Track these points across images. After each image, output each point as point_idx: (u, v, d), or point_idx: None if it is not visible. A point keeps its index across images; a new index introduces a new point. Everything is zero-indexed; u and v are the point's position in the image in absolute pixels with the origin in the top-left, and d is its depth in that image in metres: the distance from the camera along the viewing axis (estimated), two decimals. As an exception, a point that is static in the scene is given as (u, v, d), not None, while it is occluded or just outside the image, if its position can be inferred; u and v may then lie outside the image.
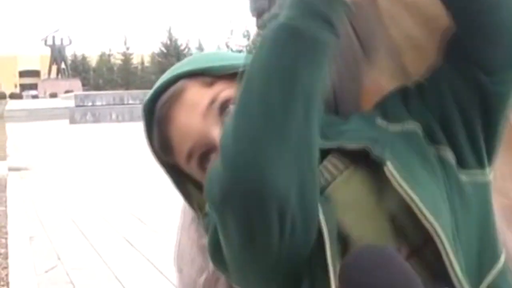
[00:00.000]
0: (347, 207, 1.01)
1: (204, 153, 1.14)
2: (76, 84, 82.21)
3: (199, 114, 1.14)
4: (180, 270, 1.29)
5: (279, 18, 0.98)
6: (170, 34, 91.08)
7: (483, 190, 1.08)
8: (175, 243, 1.34)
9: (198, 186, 1.18)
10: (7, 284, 4.93)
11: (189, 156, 1.16)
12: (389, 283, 0.87)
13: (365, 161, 1.03)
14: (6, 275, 5.15)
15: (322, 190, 1.01)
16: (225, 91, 1.15)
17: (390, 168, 0.99)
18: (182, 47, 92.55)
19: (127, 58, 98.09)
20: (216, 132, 1.09)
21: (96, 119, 30.06)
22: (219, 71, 1.17)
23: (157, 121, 1.16)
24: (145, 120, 1.20)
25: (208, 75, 1.17)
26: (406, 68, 1.14)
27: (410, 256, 0.97)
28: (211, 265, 1.17)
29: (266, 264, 0.97)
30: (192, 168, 1.17)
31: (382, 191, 1.02)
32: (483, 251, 1.03)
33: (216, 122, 1.13)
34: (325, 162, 1.05)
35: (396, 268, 0.89)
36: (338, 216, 0.99)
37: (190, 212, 1.23)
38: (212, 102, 1.14)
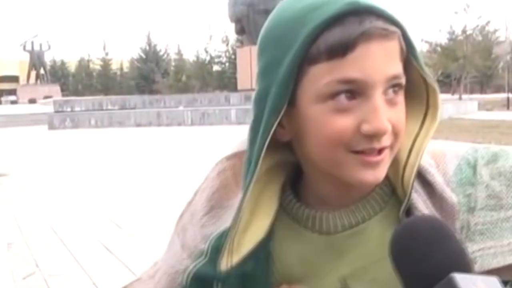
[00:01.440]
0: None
1: None
2: (55, 89, 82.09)
3: None
4: (183, 229, 1.29)
5: None
6: (149, 39, 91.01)
7: None
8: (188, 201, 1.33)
9: None
10: (-15, 291, 4.89)
11: None
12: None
13: None
14: (-16, 281, 5.11)
15: None
16: None
17: None
18: (161, 53, 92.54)
19: (106, 64, 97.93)
20: None
21: (75, 125, 29.91)
22: None
23: None
24: None
25: None
26: None
27: None
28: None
29: None
30: None
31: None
32: None
33: None
34: None
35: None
36: None
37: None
38: None
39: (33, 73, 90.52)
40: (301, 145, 1.10)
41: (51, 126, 29.52)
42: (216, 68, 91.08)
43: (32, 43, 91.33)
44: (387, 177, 1.14)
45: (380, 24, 1.02)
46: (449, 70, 67.07)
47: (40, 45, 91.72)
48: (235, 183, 1.20)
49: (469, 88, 72.21)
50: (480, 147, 1.23)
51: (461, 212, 1.15)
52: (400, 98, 1.07)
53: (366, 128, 1.02)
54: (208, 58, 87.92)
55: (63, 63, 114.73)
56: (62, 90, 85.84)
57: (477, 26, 63.64)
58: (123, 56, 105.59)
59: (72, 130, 28.43)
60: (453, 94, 70.73)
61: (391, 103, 1.05)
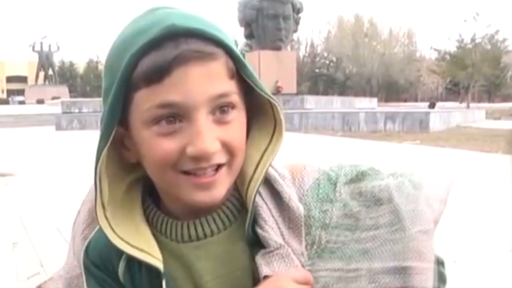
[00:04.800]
0: None
1: None
2: (63, 90, 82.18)
3: None
4: (73, 237, 1.37)
5: None
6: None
7: None
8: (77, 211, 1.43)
9: None
10: (-11, 290, 4.91)
11: None
12: None
13: None
14: (-12, 281, 5.13)
15: None
16: None
17: None
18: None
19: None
20: None
21: (83, 126, 29.97)
22: None
23: None
24: None
25: None
26: None
27: None
28: None
29: None
30: None
31: None
32: None
33: None
34: None
35: None
36: None
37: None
38: None
39: (42, 74, 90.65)
40: (144, 164, 1.12)
41: (59, 127, 29.60)
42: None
43: (41, 44, 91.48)
44: (237, 191, 1.17)
45: (198, 46, 1.02)
46: (457, 78, 67.10)
47: (49, 46, 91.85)
48: None
49: (477, 96, 72.07)
50: (347, 165, 1.23)
51: (314, 227, 1.16)
52: (233, 115, 1.08)
53: (190, 150, 1.03)
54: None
55: (71, 64, 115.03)
56: (70, 91, 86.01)
57: (486, 34, 63.58)
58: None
59: (80, 131, 28.47)
60: (461, 102, 70.67)
61: (220, 122, 1.06)
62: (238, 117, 1.09)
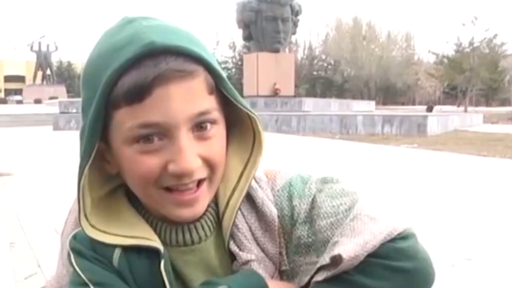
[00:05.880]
0: None
1: None
2: (61, 90, 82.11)
3: None
4: (62, 248, 1.38)
5: None
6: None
7: None
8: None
9: None
10: (-14, 290, 4.90)
11: None
12: None
13: None
14: (-15, 281, 5.12)
15: None
16: None
17: None
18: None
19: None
20: None
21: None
22: None
23: None
24: None
25: None
26: None
27: None
28: None
29: None
30: None
31: None
32: None
33: None
34: None
35: None
36: None
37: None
38: None
39: (40, 74, 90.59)
40: (125, 179, 1.13)
41: (56, 127, 29.54)
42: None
43: (40, 43, 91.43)
44: (214, 199, 1.17)
45: (178, 65, 1.01)
46: (455, 82, 67.05)
47: (47, 46, 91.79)
48: None
49: (474, 100, 72.20)
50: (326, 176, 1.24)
51: (289, 226, 1.17)
52: (213, 131, 1.08)
53: (172, 168, 1.04)
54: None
55: (69, 64, 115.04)
56: (68, 91, 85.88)
57: (485, 38, 63.61)
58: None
59: (77, 131, 27.91)
60: (458, 106, 70.73)
61: (201, 138, 1.06)
62: (218, 132, 1.10)
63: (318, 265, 1.08)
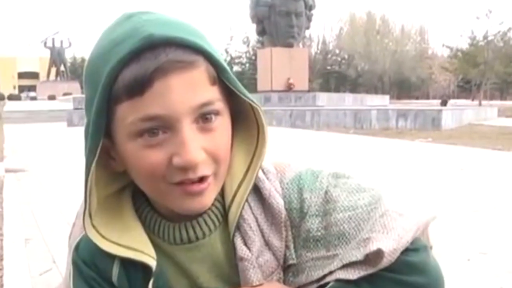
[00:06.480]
0: None
1: None
2: (74, 86, 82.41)
3: None
4: (69, 251, 1.35)
5: None
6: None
7: None
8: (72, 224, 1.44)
9: None
10: (1, 286, 4.90)
11: None
12: None
13: None
14: (1, 277, 5.12)
15: None
16: None
17: None
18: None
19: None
20: None
21: (94, 122, 29.92)
22: None
23: None
24: None
25: None
26: None
27: None
28: None
29: None
30: None
31: None
32: None
33: None
34: None
35: None
36: None
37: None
38: None
39: (53, 70, 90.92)
40: (131, 175, 1.12)
41: (70, 123, 29.63)
42: (236, 68, 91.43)
43: (53, 40, 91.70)
44: (221, 192, 1.16)
45: (177, 56, 1.01)
46: (469, 76, 66.84)
47: (61, 42, 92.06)
48: None
49: (489, 94, 71.86)
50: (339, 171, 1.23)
51: (297, 219, 1.16)
52: (217, 123, 1.07)
53: (176, 161, 1.03)
54: (228, 58, 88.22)
55: (83, 60, 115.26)
56: (81, 87, 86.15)
57: (499, 32, 63.24)
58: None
59: (91, 127, 28.43)
60: (473, 100, 70.44)
61: (204, 130, 1.05)
62: (222, 123, 1.09)
63: (344, 262, 1.08)
